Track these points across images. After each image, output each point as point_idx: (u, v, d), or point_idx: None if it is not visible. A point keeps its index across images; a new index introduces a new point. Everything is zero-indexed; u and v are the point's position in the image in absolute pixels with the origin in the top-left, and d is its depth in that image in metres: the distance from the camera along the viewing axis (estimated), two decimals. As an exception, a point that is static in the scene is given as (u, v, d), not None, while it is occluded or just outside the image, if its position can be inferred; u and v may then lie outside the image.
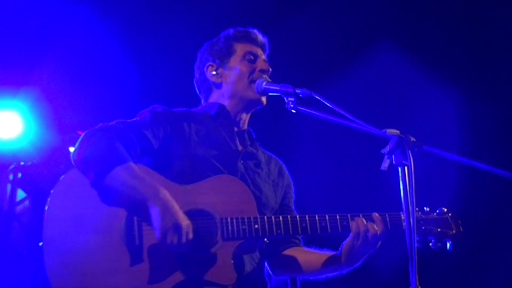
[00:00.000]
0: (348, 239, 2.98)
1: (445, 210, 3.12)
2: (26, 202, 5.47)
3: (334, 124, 2.68)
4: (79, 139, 2.85)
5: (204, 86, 3.34)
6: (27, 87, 5.23)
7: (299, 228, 2.94)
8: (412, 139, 2.46)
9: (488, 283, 5.66)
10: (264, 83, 3.07)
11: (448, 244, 3.06)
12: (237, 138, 3.21)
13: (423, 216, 3.08)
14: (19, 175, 5.47)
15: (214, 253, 2.80)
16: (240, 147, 3.19)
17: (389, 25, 5.78)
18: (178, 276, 2.74)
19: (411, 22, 5.80)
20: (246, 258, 2.95)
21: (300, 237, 3.30)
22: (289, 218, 2.94)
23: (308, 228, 2.95)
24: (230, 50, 3.25)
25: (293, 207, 3.32)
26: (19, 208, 5.44)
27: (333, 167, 5.88)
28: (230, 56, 3.24)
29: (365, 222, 2.93)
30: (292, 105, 2.84)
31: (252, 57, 3.23)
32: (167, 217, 2.68)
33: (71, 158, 2.85)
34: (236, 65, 3.22)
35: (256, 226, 2.87)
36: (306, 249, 3.24)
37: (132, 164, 2.79)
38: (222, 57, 3.25)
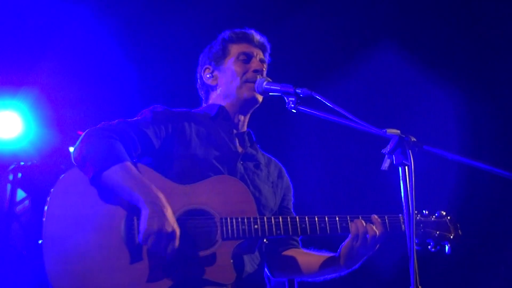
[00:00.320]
0: (347, 241, 2.98)
1: (444, 213, 3.13)
2: (26, 202, 5.47)
3: (334, 124, 2.68)
4: (80, 137, 2.85)
5: (203, 89, 3.37)
6: (27, 87, 5.23)
7: (298, 229, 2.94)
8: (413, 139, 2.46)
9: (488, 283, 5.66)
10: (264, 83, 3.07)
11: (447, 247, 3.07)
12: (236, 140, 3.22)
13: (422, 219, 3.08)
14: (19, 175, 5.47)
15: (213, 252, 2.80)
16: (239, 149, 3.20)
17: (389, 25, 5.78)
18: (177, 275, 2.74)
19: (411, 22, 5.80)
20: (246, 258, 2.95)
21: (298, 239, 3.30)
22: (288, 218, 2.94)
23: (308, 229, 2.95)
24: (225, 52, 3.26)
25: (292, 210, 3.32)
26: (19, 208, 5.44)
27: (334, 167, 5.88)
28: (225, 57, 3.26)
29: (364, 224, 2.93)
30: (292, 105, 2.85)
31: (246, 57, 3.23)
32: (154, 221, 2.64)
33: (72, 156, 2.85)
34: (230, 65, 3.23)
35: (256, 226, 2.87)
36: (305, 251, 3.24)
37: (129, 163, 2.79)
38: (218, 59, 3.27)
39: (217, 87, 3.27)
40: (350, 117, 2.64)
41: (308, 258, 3.18)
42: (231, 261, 2.81)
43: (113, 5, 5.35)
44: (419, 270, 2.32)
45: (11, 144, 5.32)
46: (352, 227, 2.94)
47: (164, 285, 2.72)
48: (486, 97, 5.76)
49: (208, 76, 3.29)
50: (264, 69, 3.22)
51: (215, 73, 3.28)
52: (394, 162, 2.44)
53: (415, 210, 2.38)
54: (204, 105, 3.36)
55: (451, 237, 3.06)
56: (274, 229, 2.90)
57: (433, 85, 5.73)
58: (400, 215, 3.01)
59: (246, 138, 3.27)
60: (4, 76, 5.19)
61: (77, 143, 2.84)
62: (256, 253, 3.02)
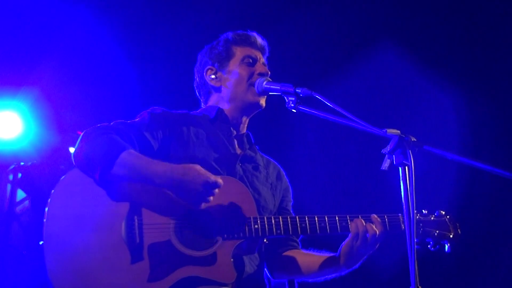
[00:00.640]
0: (347, 240, 2.99)
1: (443, 212, 3.14)
2: (26, 202, 5.47)
3: (334, 123, 2.69)
4: (78, 140, 2.86)
5: (203, 90, 3.35)
6: (27, 88, 5.23)
7: (298, 228, 2.95)
8: (413, 139, 2.46)
9: (488, 283, 5.66)
10: (264, 83, 3.08)
11: (446, 246, 3.08)
12: (235, 142, 3.22)
13: (422, 218, 3.09)
14: (19, 175, 5.47)
15: (214, 252, 2.80)
16: (238, 151, 3.20)
17: (389, 25, 5.78)
18: (178, 274, 2.75)
19: (411, 22, 5.80)
20: (246, 259, 2.96)
21: (298, 240, 3.31)
22: (288, 218, 2.95)
23: (308, 229, 2.96)
24: (229, 54, 3.26)
25: (291, 211, 3.33)
26: (19, 208, 5.44)
27: (334, 167, 5.88)
28: (229, 59, 3.25)
29: (364, 223, 2.94)
30: (292, 105, 2.85)
31: (251, 61, 3.23)
32: (191, 184, 2.70)
33: (72, 159, 2.85)
34: (235, 68, 3.23)
35: (256, 226, 2.88)
36: (305, 251, 3.25)
37: (134, 150, 2.80)
38: (221, 61, 3.26)
39: (221, 88, 3.26)
40: (350, 117, 2.64)
41: (308, 259, 3.18)
42: (232, 260, 2.81)
43: (113, 6, 5.35)
44: (419, 270, 2.32)
45: (11, 144, 5.32)
46: (352, 226, 2.94)
47: (165, 284, 2.73)
48: (486, 97, 5.77)
49: (212, 77, 3.28)
50: (268, 72, 3.23)
51: (219, 74, 3.27)
52: (394, 162, 2.44)
53: (415, 210, 2.38)
54: (203, 105, 3.36)
55: (451, 236, 3.07)
56: (274, 229, 2.90)
57: (433, 85, 5.73)
58: (400, 214, 3.02)
59: (245, 140, 3.28)
60: (4, 76, 5.19)
61: (76, 146, 2.85)
62: (256, 253, 3.02)
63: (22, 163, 5.43)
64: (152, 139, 2.97)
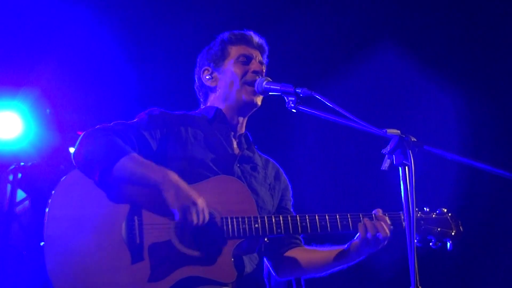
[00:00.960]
0: (357, 240, 2.99)
1: (445, 210, 3.14)
2: (26, 203, 5.47)
3: (334, 124, 2.69)
4: (78, 141, 2.86)
5: (202, 91, 3.36)
6: (27, 88, 5.23)
7: (299, 227, 2.95)
8: (413, 139, 2.46)
9: (488, 283, 5.66)
10: (264, 83, 3.08)
11: (448, 244, 3.07)
12: (234, 142, 3.22)
13: (423, 216, 3.09)
14: (19, 175, 5.47)
15: (214, 252, 2.80)
16: (236, 151, 3.20)
17: (390, 25, 5.78)
18: (178, 274, 2.75)
19: (411, 22, 5.80)
20: (245, 258, 2.96)
21: (300, 237, 3.31)
22: (289, 217, 2.95)
23: (308, 227, 2.96)
24: (224, 54, 3.26)
25: (291, 210, 3.33)
26: (19, 208, 5.44)
27: (334, 167, 5.88)
28: (224, 59, 3.26)
29: (374, 223, 2.95)
30: (292, 105, 2.85)
31: (245, 59, 3.23)
32: (181, 197, 2.69)
33: (73, 160, 2.86)
34: (229, 67, 3.23)
35: (256, 225, 2.88)
36: (308, 247, 3.25)
37: (136, 154, 2.80)
38: (217, 61, 3.27)
39: (217, 88, 3.27)
40: (350, 117, 2.64)
41: (313, 255, 3.19)
42: (232, 259, 2.81)
43: (113, 7, 5.35)
44: (419, 270, 2.32)
45: (11, 144, 5.31)
46: (361, 227, 2.95)
47: (166, 284, 2.73)
48: (486, 97, 5.77)
49: (207, 77, 3.29)
50: (263, 70, 3.22)
51: (215, 74, 3.27)
52: (394, 162, 2.44)
53: (416, 208, 2.38)
54: (202, 106, 3.36)
55: (453, 233, 3.07)
56: (274, 228, 2.90)
57: (433, 85, 5.73)
58: (401, 212, 3.02)
59: (243, 140, 3.28)
60: (4, 77, 5.19)
61: (76, 147, 2.85)
62: (255, 253, 3.03)
63: (22, 163, 5.43)
64: (151, 139, 2.97)
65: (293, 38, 5.65)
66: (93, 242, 2.73)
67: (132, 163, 2.76)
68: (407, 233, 2.35)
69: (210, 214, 2.83)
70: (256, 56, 3.26)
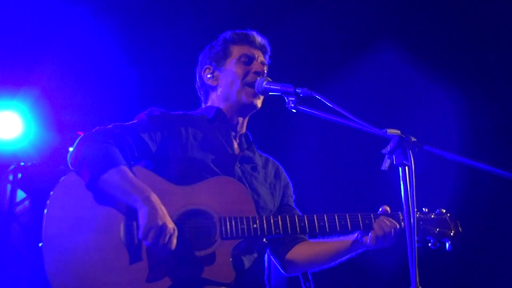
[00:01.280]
0: (373, 235, 2.98)
1: (444, 211, 3.14)
2: (26, 203, 5.47)
3: (334, 124, 2.69)
4: (76, 142, 2.87)
5: (202, 89, 3.36)
6: (27, 88, 5.23)
7: (297, 227, 2.95)
8: (413, 139, 2.46)
9: (488, 283, 5.66)
10: (264, 83, 3.07)
11: (447, 244, 3.08)
12: (234, 142, 3.22)
13: (422, 216, 3.10)
14: (19, 175, 5.47)
15: (212, 252, 2.81)
16: (237, 151, 3.20)
17: (390, 25, 5.78)
18: (177, 275, 2.75)
19: (411, 22, 5.80)
20: (245, 258, 2.96)
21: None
22: (287, 218, 2.95)
23: (307, 228, 2.96)
24: (226, 53, 3.25)
25: (294, 206, 3.33)
26: (19, 208, 5.44)
27: (334, 167, 5.88)
28: (226, 58, 3.25)
29: (389, 223, 2.96)
30: (292, 105, 2.85)
31: (247, 59, 3.22)
32: (153, 217, 2.67)
33: (68, 160, 2.86)
34: (231, 67, 3.22)
35: (255, 225, 2.88)
36: (313, 241, 3.25)
37: (125, 167, 2.81)
38: (219, 60, 3.26)
39: (217, 87, 3.26)
40: (350, 117, 2.64)
41: (321, 247, 3.19)
42: (230, 259, 2.81)
43: (113, 7, 5.35)
44: (419, 270, 2.32)
45: (11, 144, 5.32)
46: (377, 227, 2.96)
47: (164, 285, 2.73)
48: (486, 97, 5.77)
49: (208, 76, 3.28)
50: (265, 71, 3.22)
51: (216, 73, 3.27)
52: (394, 162, 2.44)
53: (415, 208, 2.38)
54: (203, 105, 3.36)
55: (451, 234, 3.07)
56: (273, 228, 2.90)
57: (433, 85, 5.73)
58: (399, 212, 3.02)
59: (244, 140, 3.27)
60: (4, 77, 5.19)
61: (73, 147, 2.86)
62: (255, 253, 3.03)
63: (22, 163, 5.43)
64: (150, 141, 2.97)
65: (293, 38, 5.65)
66: (91, 243, 2.73)
67: (118, 177, 2.77)
68: (407, 232, 2.35)
69: (209, 214, 2.83)
70: (258, 57, 3.25)
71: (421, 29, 5.79)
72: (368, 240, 2.98)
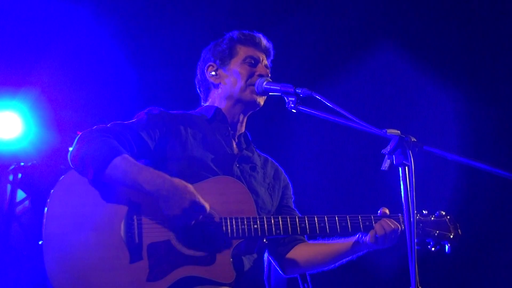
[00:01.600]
0: (374, 235, 2.99)
1: (443, 213, 3.14)
2: (26, 203, 5.47)
3: (334, 124, 2.69)
4: (75, 141, 2.86)
5: (203, 86, 3.35)
6: (27, 88, 5.23)
7: (298, 228, 2.95)
8: (413, 139, 2.46)
9: (488, 283, 5.66)
10: (264, 83, 3.08)
11: (446, 247, 3.08)
12: (233, 142, 3.22)
13: (422, 219, 3.10)
14: (19, 175, 5.47)
15: (213, 252, 2.80)
16: (236, 151, 3.21)
17: (390, 25, 5.78)
18: (177, 274, 2.75)
19: (412, 22, 5.80)
20: (245, 258, 2.97)
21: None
22: (288, 218, 2.95)
23: (307, 229, 2.97)
24: (232, 52, 3.26)
25: (293, 207, 3.33)
26: (19, 208, 5.44)
27: (333, 167, 5.88)
28: (231, 58, 3.25)
29: (392, 223, 2.97)
30: (292, 105, 2.85)
31: (253, 61, 3.23)
32: (177, 199, 2.69)
33: (69, 161, 2.86)
34: (236, 67, 3.23)
35: (255, 226, 2.88)
36: (313, 242, 3.26)
37: (129, 156, 2.80)
38: (224, 59, 3.26)
39: (220, 86, 3.26)
40: (350, 117, 2.64)
41: (320, 248, 3.20)
42: (231, 260, 2.81)
43: (113, 7, 5.35)
44: (419, 270, 2.32)
45: (11, 144, 5.31)
46: (377, 227, 2.96)
47: (164, 284, 2.73)
48: (486, 97, 5.77)
49: (212, 73, 3.28)
50: (268, 75, 3.22)
51: (220, 71, 3.27)
52: (394, 162, 2.44)
53: (415, 210, 2.38)
54: (202, 102, 3.36)
55: (451, 236, 3.07)
56: (273, 229, 2.91)
57: (433, 85, 5.73)
58: (400, 214, 3.03)
59: (243, 139, 3.28)
60: (4, 77, 5.19)
61: (72, 147, 2.85)
62: (255, 253, 3.03)
63: (22, 163, 5.43)
64: (149, 139, 2.97)
65: (293, 38, 5.65)
66: (92, 241, 2.73)
67: (125, 164, 2.76)
68: (407, 232, 2.35)
69: (209, 214, 2.83)
70: (262, 60, 3.26)
71: (421, 29, 5.79)
72: (368, 240, 2.98)
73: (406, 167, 2.40)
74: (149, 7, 5.50)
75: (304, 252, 3.22)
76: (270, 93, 3.08)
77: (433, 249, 3.08)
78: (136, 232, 2.77)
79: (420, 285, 2.32)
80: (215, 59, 3.28)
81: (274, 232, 2.91)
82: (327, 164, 5.92)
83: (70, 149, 2.89)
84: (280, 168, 3.39)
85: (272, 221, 2.92)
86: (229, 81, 3.22)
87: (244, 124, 3.30)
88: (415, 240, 2.34)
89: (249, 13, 5.47)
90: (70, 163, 2.85)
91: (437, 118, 5.83)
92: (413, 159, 2.40)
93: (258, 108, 3.24)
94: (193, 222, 2.73)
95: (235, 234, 2.84)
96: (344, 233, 3.04)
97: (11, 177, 5.44)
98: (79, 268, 2.70)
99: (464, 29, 5.77)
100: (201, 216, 2.74)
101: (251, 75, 3.19)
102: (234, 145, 3.23)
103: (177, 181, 2.74)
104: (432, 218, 3.11)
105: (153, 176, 2.75)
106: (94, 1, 5.31)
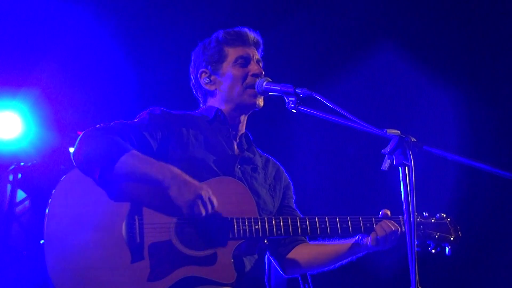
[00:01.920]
0: (375, 237, 3.00)
1: (444, 215, 3.14)
2: (26, 203, 5.47)
3: (334, 124, 2.69)
4: (78, 140, 2.85)
5: (200, 92, 3.33)
6: (27, 88, 5.23)
7: (299, 229, 2.96)
8: (413, 139, 2.46)
9: (488, 283, 5.66)
10: (264, 83, 3.07)
11: (447, 249, 3.08)
12: (234, 143, 3.22)
13: (422, 221, 3.11)
14: (19, 175, 5.47)
15: (214, 252, 2.81)
16: (237, 152, 3.20)
17: (390, 25, 5.78)
18: (178, 274, 2.75)
19: (412, 22, 5.80)
20: (246, 259, 2.97)
21: None
22: (289, 219, 2.95)
23: (308, 230, 2.97)
24: (222, 56, 3.22)
25: (294, 207, 3.33)
26: (19, 208, 5.44)
27: (333, 168, 5.88)
28: (222, 62, 3.21)
29: (392, 226, 2.97)
30: (292, 105, 2.85)
31: (243, 61, 3.20)
32: (185, 192, 2.71)
33: (72, 159, 2.85)
34: (228, 70, 3.19)
35: (256, 226, 2.88)
36: (313, 243, 3.26)
37: (136, 151, 2.80)
38: (214, 64, 3.22)
39: (216, 91, 3.24)
40: (350, 117, 2.64)
41: (321, 249, 3.20)
42: (232, 260, 2.81)
43: (113, 7, 5.35)
44: (419, 271, 2.32)
45: (11, 144, 5.31)
46: (378, 228, 2.96)
47: (165, 284, 2.73)
48: (486, 97, 5.76)
49: (206, 81, 3.25)
50: (262, 72, 3.20)
51: (213, 77, 3.24)
52: (394, 163, 2.44)
53: (415, 212, 2.38)
54: (202, 106, 3.35)
55: (452, 238, 3.07)
56: (274, 230, 2.91)
57: (433, 85, 5.73)
58: (400, 216, 3.03)
59: (244, 140, 3.27)
60: (5, 77, 5.19)
61: (75, 146, 2.85)
62: (256, 254, 3.03)
63: (22, 163, 5.43)
64: (151, 139, 2.97)
65: (293, 38, 5.65)
66: (93, 241, 2.73)
67: (133, 160, 2.76)
68: (407, 233, 2.35)
69: (211, 214, 2.83)
70: (253, 56, 3.23)
71: (421, 29, 5.79)
72: (368, 242, 2.98)
73: (406, 167, 2.40)
74: (149, 7, 5.50)
75: (305, 252, 3.22)
76: (270, 93, 3.07)
77: (433, 251, 3.08)
78: (137, 232, 2.77)
79: (420, 286, 2.32)
80: (206, 65, 3.24)
81: (275, 233, 2.91)
82: (326, 164, 5.92)
83: (72, 148, 2.89)
84: (281, 168, 3.38)
85: (273, 222, 2.92)
86: (225, 87, 3.20)
87: (244, 123, 3.29)
88: (416, 242, 2.34)
89: (249, 13, 5.47)
90: (73, 162, 2.85)
91: (437, 118, 5.83)
92: (413, 159, 2.40)
93: (258, 109, 3.23)
94: (203, 212, 2.73)
95: (236, 235, 2.84)
96: (345, 235, 3.04)
97: (11, 177, 5.45)
98: (80, 268, 2.71)
99: (464, 29, 5.77)
100: (210, 208, 2.74)
101: (245, 77, 3.17)
102: (235, 146, 3.22)
103: (184, 179, 2.76)
104: (433, 220, 3.11)
105: (169, 167, 2.77)
106: (94, 1, 5.31)
